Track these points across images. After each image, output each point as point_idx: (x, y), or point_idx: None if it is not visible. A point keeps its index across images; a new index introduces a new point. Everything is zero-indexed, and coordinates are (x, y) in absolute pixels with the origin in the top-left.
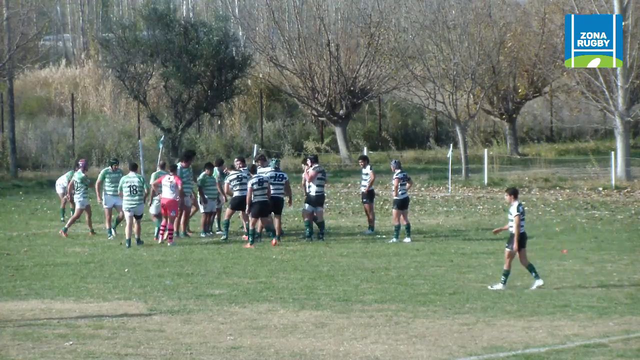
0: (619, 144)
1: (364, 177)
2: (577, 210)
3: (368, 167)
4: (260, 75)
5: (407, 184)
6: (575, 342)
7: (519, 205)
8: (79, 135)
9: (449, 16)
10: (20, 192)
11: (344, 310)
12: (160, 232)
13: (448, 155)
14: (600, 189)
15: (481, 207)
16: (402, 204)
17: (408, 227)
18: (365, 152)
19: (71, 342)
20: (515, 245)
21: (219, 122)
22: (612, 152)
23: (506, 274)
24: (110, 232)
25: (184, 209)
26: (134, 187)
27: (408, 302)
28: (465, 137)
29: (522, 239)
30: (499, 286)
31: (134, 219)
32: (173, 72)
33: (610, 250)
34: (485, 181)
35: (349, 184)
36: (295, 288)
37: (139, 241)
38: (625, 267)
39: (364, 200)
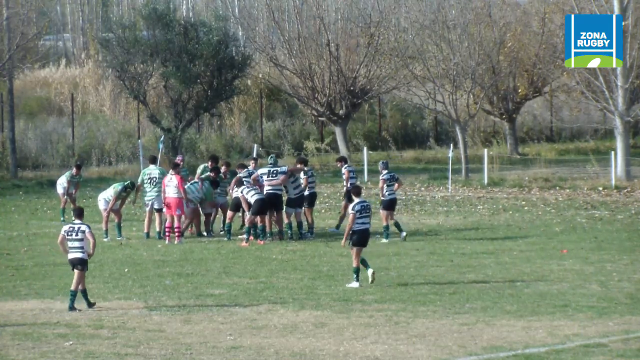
0: (619, 144)
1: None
2: (577, 210)
3: (344, 166)
4: (260, 75)
5: (395, 185)
6: (575, 342)
7: (358, 203)
8: (78, 135)
9: (448, 16)
10: (20, 192)
11: (344, 310)
12: (167, 233)
13: (449, 155)
14: (600, 188)
15: (481, 207)
16: (389, 205)
17: (396, 223)
18: (365, 152)
19: (71, 342)
20: (342, 241)
21: (219, 122)
22: (612, 152)
23: (356, 270)
24: (106, 234)
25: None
26: (154, 179)
27: (408, 302)
28: (465, 137)
29: (362, 237)
30: (354, 284)
31: (155, 212)
32: (173, 72)
33: (610, 250)
34: (485, 181)
35: None
36: (295, 288)
37: (159, 235)
38: (625, 267)
39: (346, 198)
